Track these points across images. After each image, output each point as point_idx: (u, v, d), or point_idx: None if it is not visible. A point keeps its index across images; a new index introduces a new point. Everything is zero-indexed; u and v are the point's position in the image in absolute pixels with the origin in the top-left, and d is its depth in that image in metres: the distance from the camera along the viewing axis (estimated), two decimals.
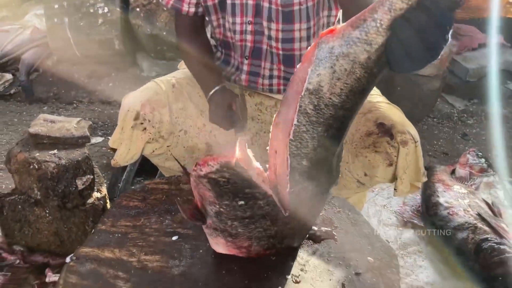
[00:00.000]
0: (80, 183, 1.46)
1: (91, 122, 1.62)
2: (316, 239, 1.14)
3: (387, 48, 0.74)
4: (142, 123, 1.42)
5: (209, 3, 1.42)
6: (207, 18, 1.50)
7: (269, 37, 1.41)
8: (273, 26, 1.37)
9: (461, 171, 2.12)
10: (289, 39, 1.39)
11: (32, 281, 1.46)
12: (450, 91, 3.31)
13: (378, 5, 0.74)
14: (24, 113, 2.96)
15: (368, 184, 1.42)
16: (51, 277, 1.47)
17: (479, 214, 1.76)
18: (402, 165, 1.30)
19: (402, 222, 1.96)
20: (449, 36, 0.73)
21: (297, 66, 0.82)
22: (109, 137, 1.79)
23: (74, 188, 1.46)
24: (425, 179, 1.36)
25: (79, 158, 1.46)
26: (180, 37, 1.53)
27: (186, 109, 1.51)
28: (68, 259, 1.07)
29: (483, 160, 2.18)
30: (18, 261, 1.52)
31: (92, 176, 1.51)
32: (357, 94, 0.80)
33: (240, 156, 0.82)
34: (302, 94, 0.80)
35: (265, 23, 1.37)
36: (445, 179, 2.03)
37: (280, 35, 1.38)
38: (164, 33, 3.31)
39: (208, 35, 1.62)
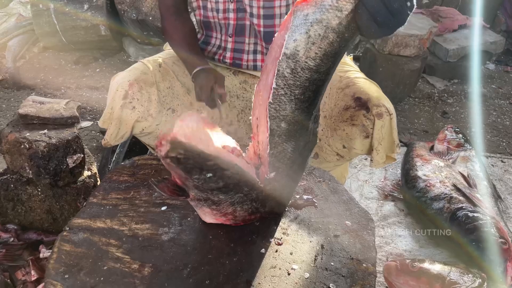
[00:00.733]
0: (70, 162, 1.51)
1: (79, 103, 1.66)
2: (297, 206, 1.21)
3: (356, 13, 0.81)
4: (131, 102, 1.45)
5: None
6: None
7: (251, 14, 1.45)
8: (254, 3, 1.42)
9: (439, 146, 2.20)
10: (270, 16, 1.44)
11: (26, 257, 1.50)
12: (431, 72, 3.39)
13: None
14: (12, 99, 2.97)
15: (347, 157, 1.49)
16: (45, 253, 1.51)
17: (454, 185, 1.85)
18: (377, 136, 1.36)
19: (383, 195, 2.04)
20: (414, 2, 0.80)
21: (275, 35, 0.88)
22: (97, 121, 1.82)
23: (65, 167, 1.50)
24: (399, 150, 1.43)
25: (69, 137, 1.50)
26: (164, 17, 1.57)
27: (173, 88, 1.55)
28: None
29: (460, 135, 2.26)
30: (12, 239, 1.56)
31: (82, 155, 1.55)
32: (331, 57, 0.87)
33: (180, 131, 0.82)
34: (280, 58, 0.87)
35: (246, 1, 1.42)
36: (424, 154, 2.11)
37: (261, 12, 1.43)
38: (150, 18, 3.32)
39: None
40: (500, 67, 3.66)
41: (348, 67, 1.55)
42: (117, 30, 3.48)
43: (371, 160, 1.42)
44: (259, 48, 1.53)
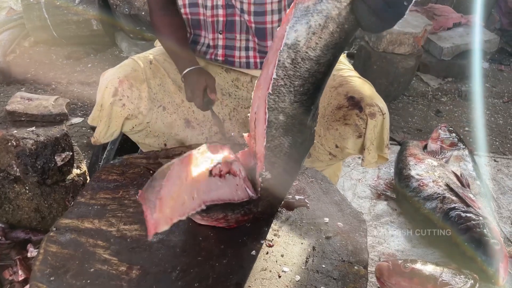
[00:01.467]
0: (59, 160, 1.48)
1: (68, 100, 1.63)
2: (289, 207, 1.19)
3: (353, 5, 0.83)
4: (120, 99, 1.43)
5: None
6: None
7: (242, 10, 1.43)
8: None
9: (432, 146, 2.20)
10: (261, 12, 1.42)
11: (14, 256, 1.47)
12: (425, 70, 3.38)
13: None
14: (2, 94, 2.93)
15: (340, 156, 1.47)
16: (32, 252, 1.49)
17: (447, 185, 1.84)
18: (369, 136, 1.35)
19: (376, 194, 2.03)
20: None
21: (269, 38, 0.86)
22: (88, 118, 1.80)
23: (53, 165, 1.48)
24: (388, 151, 1.42)
25: (58, 135, 1.48)
26: (152, 12, 1.54)
27: (164, 85, 1.53)
28: None
29: (453, 134, 2.26)
30: None
31: (71, 153, 1.52)
32: (331, 49, 0.87)
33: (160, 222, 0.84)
34: (281, 48, 0.88)
35: None
36: (417, 153, 2.11)
37: (252, 8, 1.41)
38: (143, 13, 3.28)
39: None
40: (494, 65, 3.66)
41: (342, 66, 1.54)
42: (110, 24, 3.44)
43: (362, 159, 1.41)
44: (251, 44, 1.51)
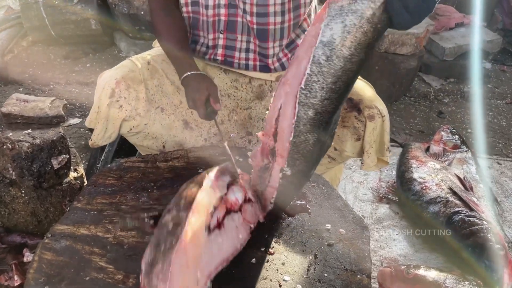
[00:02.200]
0: (55, 163, 1.46)
1: (65, 102, 1.60)
2: (290, 212, 1.17)
3: (388, 3, 0.86)
4: (118, 101, 1.41)
5: None
6: None
7: (244, 11, 1.40)
8: (248, 0, 1.37)
9: (435, 148, 2.17)
10: (264, 14, 1.39)
11: (10, 261, 1.45)
12: (427, 70, 3.35)
13: None
14: None
15: (339, 159, 1.45)
16: (28, 256, 1.46)
17: (451, 188, 1.81)
18: (368, 139, 1.33)
19: (377, 197, 2.01)
20: None
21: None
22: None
23: (49, 168, 1.45)
24: (388, 154, 1.39)
25: (54, 138, 1.45)
26: (153, 12, 1.51)
27: (162, 86, 1.50)
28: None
29: (456, 136, 2.23)
30: None
31: (67, 156, 1.50)
32: (364, 48, 0.90)
33: None
34: (316, 45, 0.91)
35: None
36: (420, 155, 2.08)
37: (254, 9, 1.38)
38: (142, 12, 3.25)
39: None
40: (496, 66, 3.63)
41: None
42: (108, 24, 3.41)
43: (361, 163, 1.39)
44: (251, 46, 1.48)
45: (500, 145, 2.65)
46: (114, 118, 1.43)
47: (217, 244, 0.92)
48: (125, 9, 3.27)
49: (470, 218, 1.64)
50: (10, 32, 3.37)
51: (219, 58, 1.52)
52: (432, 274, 1.38)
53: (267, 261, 1.01)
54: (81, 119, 2.58)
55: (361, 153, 1.37)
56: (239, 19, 1.43)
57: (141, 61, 1.49)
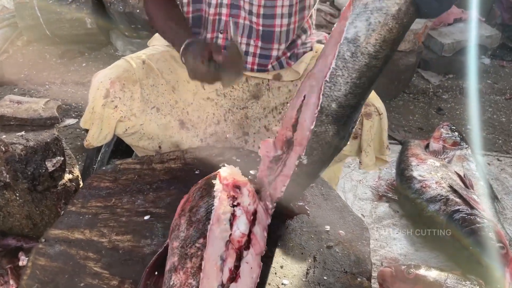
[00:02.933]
0: (50, 165, 1.43)
1: (60, 103, 1.58)
2: (289, 214, 1.15)
3: None
4: (112, 101, 1.39)
5: None
6: None
7: (250, 12, 1.38)
8: (255, 1, 1.35)
9: (434, 145, 2.15)
10: (271, 15, 1.37)
11: (5, 265, 1.43)
12: (425, 67, 3.33)
13: None
14: None
15: (337, 158, 1.43)
16: (24, 260, 1.45)
17: (451, 186, 1.80)
18: (366, 137, 1.31)
19: (377, 196, 1.99)
20: None
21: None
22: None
23: (44, 170, 1.43)
24: (388, 152, 1.37)
25: (48, 140, 1.43)
26: (147, 1, 1.48)
27: (157, 86, 1.48)
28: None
29: (456, 133, 2.21)
30: None
31: (62, 158, 1.48)
32: (390, 44, 0.90)
33: None
34: (341, 41, 0.91)
35: None
36: (419, 153, 2.06)
37: (261, 11, 1.36)
38: (138, 10, 3.22)
39: None
40: (495, 61, 3.61)
41: None
42: (104, 23, 3.38)
43: (360, 162, 1.37)
44: (251, 49, 1.46)
45: (500, 141, 2.64)
46: (109, 118, 1.41)
47: None
48: (121, 7, 3.24)
49: (471, 217, 1.62)
50: (4, 32, 3.34)
51: None
52: (433, 274, 1.37)
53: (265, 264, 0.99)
54: (77, 120, 2.55)
55: (359, 151, 1.35)
56: (241, 21, 1.41)
57: (136, 60, 1.47)
